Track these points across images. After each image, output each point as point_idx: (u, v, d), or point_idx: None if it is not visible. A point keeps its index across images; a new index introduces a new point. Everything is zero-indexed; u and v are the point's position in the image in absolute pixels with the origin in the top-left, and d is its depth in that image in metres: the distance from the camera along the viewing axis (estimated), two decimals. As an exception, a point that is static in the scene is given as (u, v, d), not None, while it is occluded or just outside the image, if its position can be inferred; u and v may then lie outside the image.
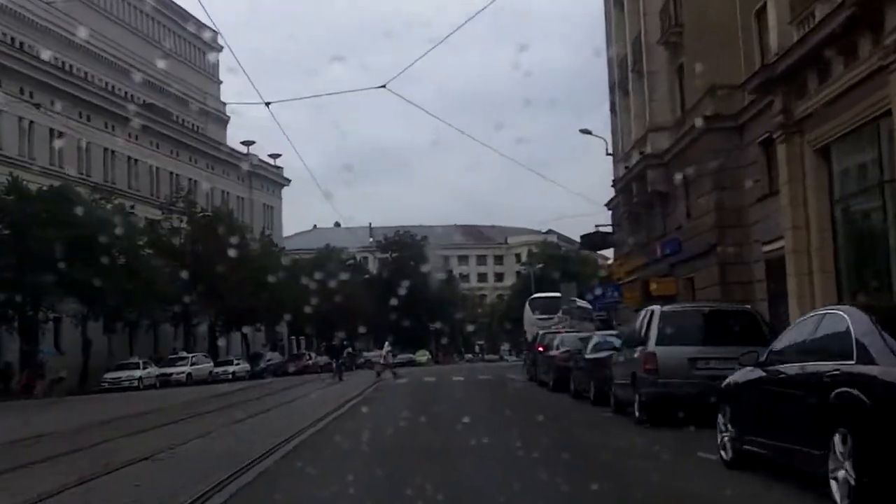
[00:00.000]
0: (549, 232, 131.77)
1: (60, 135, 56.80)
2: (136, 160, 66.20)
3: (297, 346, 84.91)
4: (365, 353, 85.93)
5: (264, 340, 75.14)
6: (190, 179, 72.53)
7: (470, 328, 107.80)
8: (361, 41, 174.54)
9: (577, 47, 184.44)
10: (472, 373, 45.68)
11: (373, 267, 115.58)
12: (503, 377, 40.58)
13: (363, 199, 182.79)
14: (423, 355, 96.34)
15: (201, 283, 58.78)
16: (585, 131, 46.95)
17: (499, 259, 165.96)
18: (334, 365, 44.30)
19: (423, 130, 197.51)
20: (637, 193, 39.91)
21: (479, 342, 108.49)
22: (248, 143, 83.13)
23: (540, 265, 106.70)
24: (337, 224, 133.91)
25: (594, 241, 46.36)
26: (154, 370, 52.06)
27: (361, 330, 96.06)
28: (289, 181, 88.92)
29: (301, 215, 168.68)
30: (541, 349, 33.33)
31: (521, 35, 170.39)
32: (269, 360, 64.67)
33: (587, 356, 24.00)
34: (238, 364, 61.02)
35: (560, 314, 57.61)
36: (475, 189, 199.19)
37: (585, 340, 27.05)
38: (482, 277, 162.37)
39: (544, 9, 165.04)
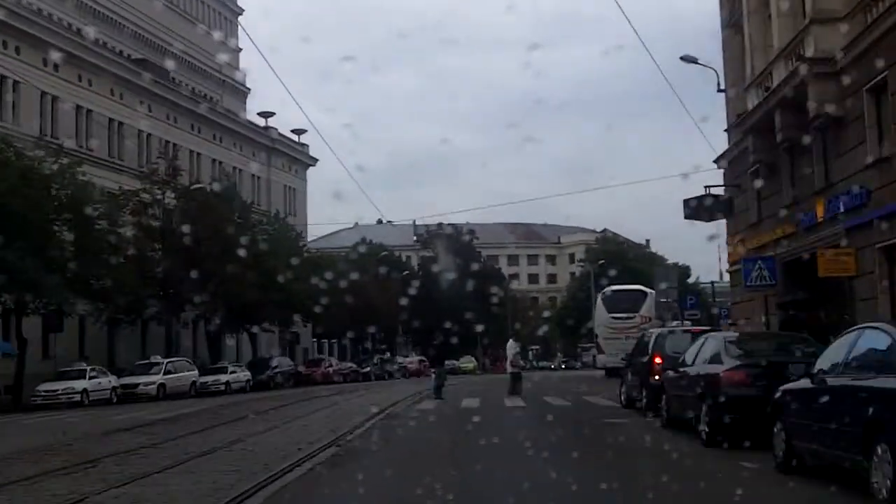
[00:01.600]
0: (605, 231, 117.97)
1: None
2: (119, 123, 53.34)
3: (320, 350, 71.58)
4: (399, 359, 72.69)
5: (281, 342, 62.02)
6: (192, 151, 59.69)
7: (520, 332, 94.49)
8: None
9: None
10: (532, 390, 32.33)
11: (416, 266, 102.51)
12: (582, 400, 26.78)
13: (407, 199, 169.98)
14: (468, 362, 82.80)
15: (193, 271, 46.00)
16: (688, 58, 33.10)
17: (551, 259, 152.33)
18: (433, 378, 30.69)
19: (469, 132, 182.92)
20: (784, 127, 26.04)
21: (534, 347, 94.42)
22: (266, 115, 70.31)
23: (601, 261, 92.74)
24: (379, 221, 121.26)
25: (702, 208, 32.52)
26: (109, 380, 39.05)
27: (391, 334, 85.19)
28: (315, 161, 75.93)
29: (344, 214, 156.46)
30: (657, 360, 19.37)
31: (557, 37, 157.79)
32: (275, 368, 51.44)
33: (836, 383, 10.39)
34: (235, 372, 47.83)
35: (645, 312, 44.05)
36: (526, 190, 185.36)
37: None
38: (533, 279, 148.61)
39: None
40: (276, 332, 60.50)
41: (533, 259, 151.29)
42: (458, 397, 29.34)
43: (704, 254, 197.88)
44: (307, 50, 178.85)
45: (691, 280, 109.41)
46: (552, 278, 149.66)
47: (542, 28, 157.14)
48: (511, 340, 32.78)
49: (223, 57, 70.75)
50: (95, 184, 42.39)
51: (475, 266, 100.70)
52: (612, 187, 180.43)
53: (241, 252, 43.79)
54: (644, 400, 19.63)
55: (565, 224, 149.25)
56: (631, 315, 43.76)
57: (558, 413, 21.12)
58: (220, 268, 44.42)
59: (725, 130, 34.39)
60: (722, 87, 33.65)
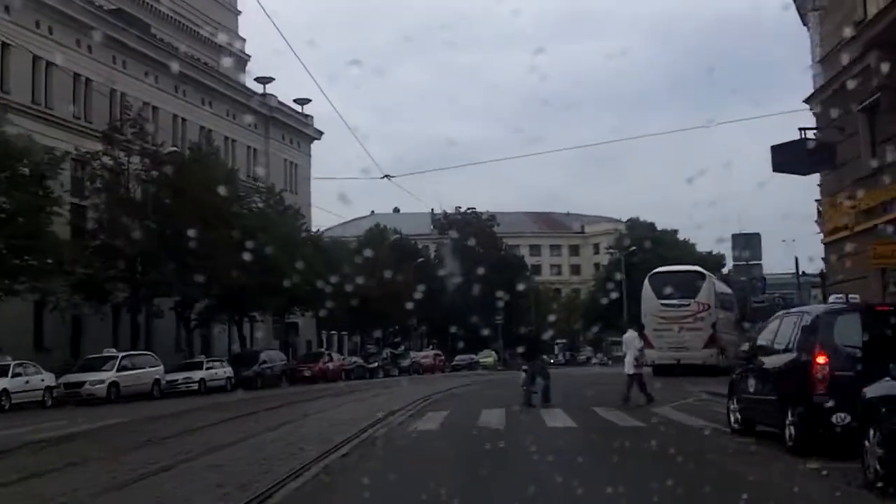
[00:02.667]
0: (636, 218, 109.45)
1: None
2: (87, 80, 45.44)
3: (324, 343, 63.44)
4: (413, 353, 64.71)
5: (277, 334, 53.90)
6: (176, 116, 51.79)
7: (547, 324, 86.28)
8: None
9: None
10: (570, 393, 24.32)
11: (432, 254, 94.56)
12: (657, 417, 18.25)
13: (427, 188, 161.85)
14: (488, 356, 74.68)
15: (164, 249, 38.31)
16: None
17: (574, 250, 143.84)
18: (523, 377, 22.47)
19: (485, 125, 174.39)
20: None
21: (561, 340, 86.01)
22: (264, 80, 62.31)
23: (632, 247, 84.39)
24: (396, 210, 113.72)
25: (797, 156, 24.33)
26: (42, 378, 31.06)
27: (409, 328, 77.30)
28: (320, 134, 67.88)
29: (360, 202, 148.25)
30: (821, 360, 10.99)
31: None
32: (263, 363, 43.42)
33: None
34: (212, 368, 39.92)
35: (704, 298, 35.96)
36: (549, 180, 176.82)
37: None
38: (556, 269, 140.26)
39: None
40: (271, 322, 52.57)
41: (556, 249, 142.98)
42: (473, 407, 21.24)
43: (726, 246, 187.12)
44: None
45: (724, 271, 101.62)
46: (575, 269, 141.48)
47: (556, 22, 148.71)
48: (630, 331, 24.49)
49: (219, 17, 62.73)
50: (38, 142, 34.53)
51: (495, 253, 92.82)
52: (635, 176, 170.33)
53: (227, 228, 36.11)
54: (791, 429, 11.43)
55: (589, 213, 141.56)
56: (685, 302, 35.55)
57: (634, 444, 12.83)
58: (199, 245, 36.63)
59: (812, 66, 26.23)
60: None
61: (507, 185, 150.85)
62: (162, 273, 37.18)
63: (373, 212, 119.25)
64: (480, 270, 76.18)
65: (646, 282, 37.25)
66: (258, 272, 40.49)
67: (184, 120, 52.06)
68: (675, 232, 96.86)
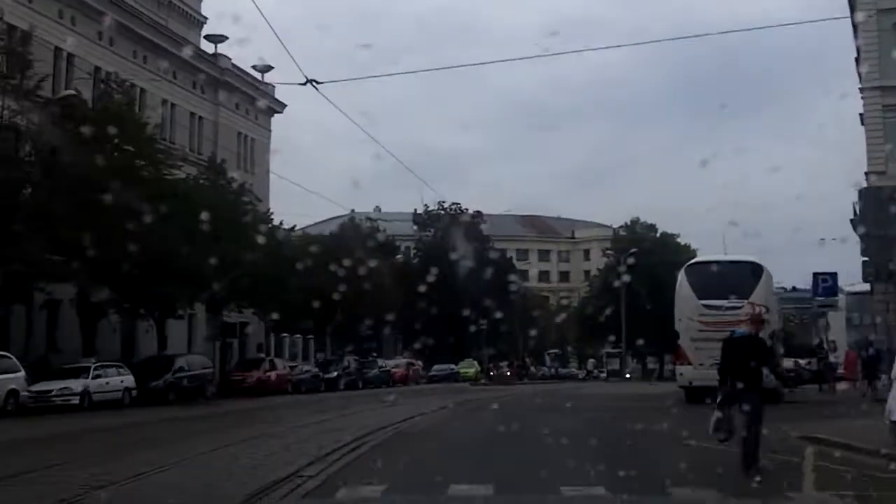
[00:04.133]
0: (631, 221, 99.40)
1: None
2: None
3: (275, 348, 52.81)
4: (383, 362, 54.75)
5: (213, 335, 43.49)
6: (97, 68, 41.62)
7: (532, 332, 76.28)
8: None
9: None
10: (605, 433, 14.47)
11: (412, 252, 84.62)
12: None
13: (411, 197, 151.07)
14: (469, 367, 64.67)
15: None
16: None
17: (564, 255, 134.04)
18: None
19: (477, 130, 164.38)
20: None
21: (552, 351, 75.82)
22: (216, 39, 52.16)
23: (633, 250, 74.50)
24: (377, 208, 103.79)
25: None
26: None
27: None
28: (284, 106, 57.70)
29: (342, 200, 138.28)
30: None
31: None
32: (178, 371, 33.28)
33: None
34: (104, 377, 29.78)
35: (760, 299, 26.08)
36: (538, 188, 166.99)
37: None
38: (544, 276, 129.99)
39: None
40: (205, 321, 42.46)
41: (544, 255, 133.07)
42: (429, 473, 11.22)
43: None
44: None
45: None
46: (565, 276, 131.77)
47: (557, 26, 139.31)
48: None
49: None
50: None
51: (481, 253, 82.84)
52: (628, 185, 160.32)
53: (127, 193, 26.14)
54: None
55: (580, 218, 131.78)
56: (737, 303, 25.67)
57: None
58: (80, 214, 26.73)
59: None
60: None
61: (494, 188, 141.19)
62: (23, 250, 27.07)
63: (353, 211, 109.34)
64: (464, 271, 66.94)
65: (681, 276, 27.27)
66: (166, 253, 30.61)
67: (108, 74, 41.91)
68: (676, 236, 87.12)
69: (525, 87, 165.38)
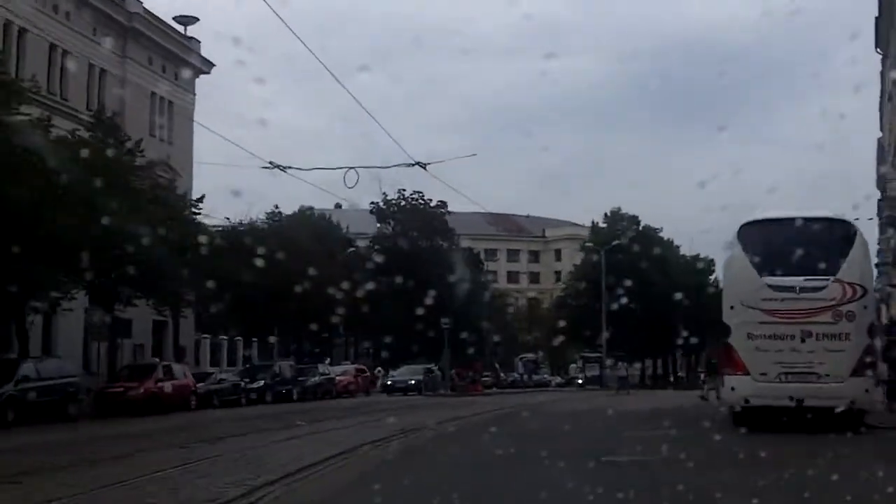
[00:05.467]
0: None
1: None
2: None
3: (177, 353, 42.76)
4: (326, 368, 45.35)
5: (96, 334, 33.63)
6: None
7: (499, 338, 67.17)
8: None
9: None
10: None
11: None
12: None
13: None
14: (431, 375, 55.21)
15: None
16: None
17: (534, 255, 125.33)
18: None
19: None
20: None
21: (527, 356, 66.41)
22: (127, -20, 42.69)
23: (615, 242, 65.50)
24: (338, 205, 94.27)
25: None
26: None
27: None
28: (211, 66, 48.09)
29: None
30: None
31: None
32: (21, 379, 23.79)
33: None
34: None
35: (851, 276, 16.89)
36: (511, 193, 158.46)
37: None
38: (513, 277, 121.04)
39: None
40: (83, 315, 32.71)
41: (513, 255, 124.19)
42: None
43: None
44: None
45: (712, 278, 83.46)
46: (535, 277, 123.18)
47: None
48: None
49: None
50: None
51: (446, 247, 73.67)
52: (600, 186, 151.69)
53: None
54: None
55: (551, 217, 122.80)
56: (819, 282, 16.56)
57: None
58: None
59: None
60: None
61: (462, 187, 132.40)
62: None
63: (312, 208, 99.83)
64: (426, 264, 58.27)
65: (733, 243, 17.91)
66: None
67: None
68: (659, 230, 78.24)
69: (496, 90, 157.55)
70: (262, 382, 37.53)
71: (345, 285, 51.79)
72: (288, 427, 19.87)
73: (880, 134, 47.98)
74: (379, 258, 62.44)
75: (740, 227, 17.48)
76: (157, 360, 34.31)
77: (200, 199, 35.68)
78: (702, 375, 36.80)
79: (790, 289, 16.94)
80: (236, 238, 40.11)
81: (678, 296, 56.95)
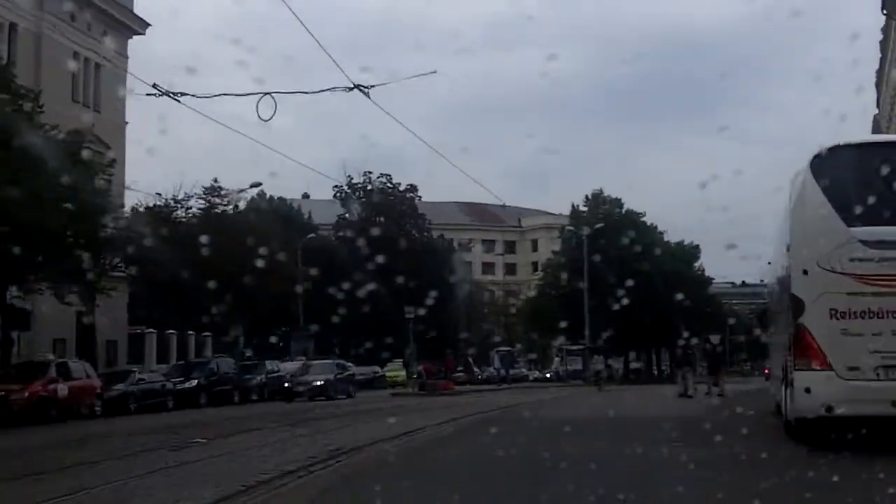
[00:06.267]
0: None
1: None
2: None
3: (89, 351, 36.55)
4: (275, 365, 39.55)
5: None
6: None
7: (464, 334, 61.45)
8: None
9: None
10: None
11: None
12: None
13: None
14: (397, 371, 49.80)
15: None
16: None
17: (510, 246, 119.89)
18: None
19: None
20: None
21: (504, 349, 60.75)
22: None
23: (598, 225, 60.05)
24: (305, 195, 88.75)
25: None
26: None
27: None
28: (146, 26, 42.15)
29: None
30: None
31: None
32: None
33: None
34: None
35: None
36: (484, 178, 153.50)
37: None
38: (489, 268, 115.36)
39: None
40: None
41: (489, 245, 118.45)
42: None
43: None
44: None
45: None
46: (511, 269, 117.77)
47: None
48: None
49: None
50: None
51: (415, 234, 68.11)
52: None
53: None
54: None
55: (528, 206, 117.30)
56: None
57: None
58: None
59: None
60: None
61: (437, 184, 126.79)
62: None
63: (280, 198, 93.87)
64: (395, 252, 52.68)
65: (803, 180, 12.23)
66: None
67: None
68: (642, 214, 72.66)
69: (466, 84, 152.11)
70: (194, 383, 31.72)
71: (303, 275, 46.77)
72: (178, 448, 14.18)
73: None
74: (341, 246, 56.97)
75: (817, 155, 11.89)
76: (52, 356, 28.31)
77: (111, 164, 29.77)
78: (682, 370, 31.99)
79: (892, 244, 11.48)
80: (167, 216, 34.53)
81: (670, 290, 52.49)
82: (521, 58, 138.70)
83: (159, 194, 40.88)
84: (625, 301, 49.30)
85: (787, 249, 12.49)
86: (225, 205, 42.65)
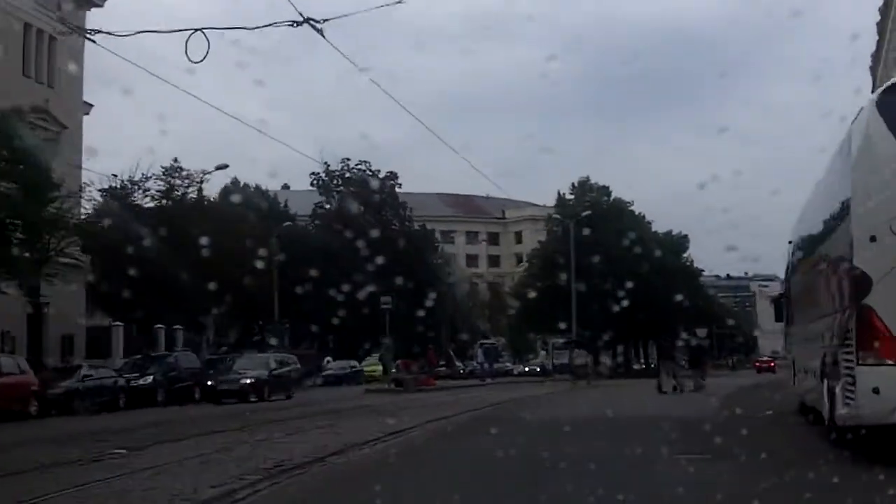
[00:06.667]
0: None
1: None
2: None
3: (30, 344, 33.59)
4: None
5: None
6: None
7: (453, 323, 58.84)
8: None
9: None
10: None
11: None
12: None
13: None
14: (375, 365, 47.16)
15: None
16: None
17: (494, 238, 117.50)
18: None
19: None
20: None
21: (488, 342, 58.10)
22: None
23: (585, 213, 57.36)
24: (286, 186, 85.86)
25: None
26: None
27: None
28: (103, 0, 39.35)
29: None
30: None
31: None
32: None
33: None
34: None
35: None
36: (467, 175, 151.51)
37: None
38: (472, 261, 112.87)
39: None
40: None
41: (472, 237, 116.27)
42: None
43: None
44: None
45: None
46: (494, 261, 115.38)
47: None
48: None
49: None
50: None
51: (395, 223, 65.35)
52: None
53: None
54: None
55: (511, 198, 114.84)
56: None
57: None
58: None
59: None
60: None
61: (420, 177, 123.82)
62: None
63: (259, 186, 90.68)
64: (373, 241, 50.05)
65: (866, 117, 9.70)
66: None
67: None
68: (630, 203, 70.09)
69: (448, 79, 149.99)
70: (149, 379, 28.97)
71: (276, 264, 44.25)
72: (84, 463, 11.48)
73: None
74: (317, 235, 54.43)
75: (887, 89, 9.28)
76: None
77: (54, 139, 27.05)
78: (666, 365, 29.92)
79: None
80: (124, 199, 31.78)
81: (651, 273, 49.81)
82: (514, 53, 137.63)
83: (115, 175, 37.91)
84: (618, 294, 47.08)
85: (842, 212, 9.89)
86: (186, 187, 39.69)
